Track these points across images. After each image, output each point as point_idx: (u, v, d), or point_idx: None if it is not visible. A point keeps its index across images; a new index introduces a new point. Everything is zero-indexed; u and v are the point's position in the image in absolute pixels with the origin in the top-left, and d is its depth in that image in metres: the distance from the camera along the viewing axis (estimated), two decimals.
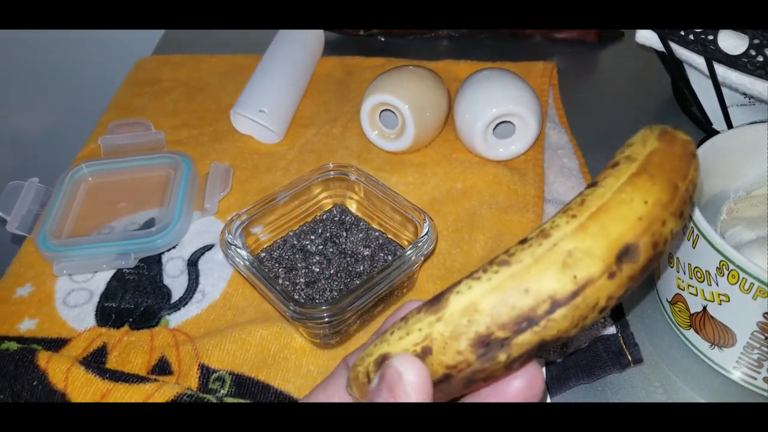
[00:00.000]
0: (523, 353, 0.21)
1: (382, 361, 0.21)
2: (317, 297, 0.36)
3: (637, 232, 0.21)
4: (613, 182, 0.22)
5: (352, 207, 0.41)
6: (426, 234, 0.35)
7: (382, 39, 0.64)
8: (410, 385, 0.20)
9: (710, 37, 0.37)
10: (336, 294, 0.36)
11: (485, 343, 0.20)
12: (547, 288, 0.20)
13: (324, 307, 0.31)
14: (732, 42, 0.38)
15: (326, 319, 0.31)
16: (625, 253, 0.20)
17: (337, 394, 0.25)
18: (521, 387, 0.22)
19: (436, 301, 0.21)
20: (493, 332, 0.20)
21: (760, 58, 0.35)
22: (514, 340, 0.20)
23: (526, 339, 0.20)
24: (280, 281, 0.37)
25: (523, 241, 0.21)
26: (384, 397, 0.20)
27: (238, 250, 0.35)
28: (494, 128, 0.45)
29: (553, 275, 0.20)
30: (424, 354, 0.21)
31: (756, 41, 0.35)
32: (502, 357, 0.20)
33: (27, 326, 0.38)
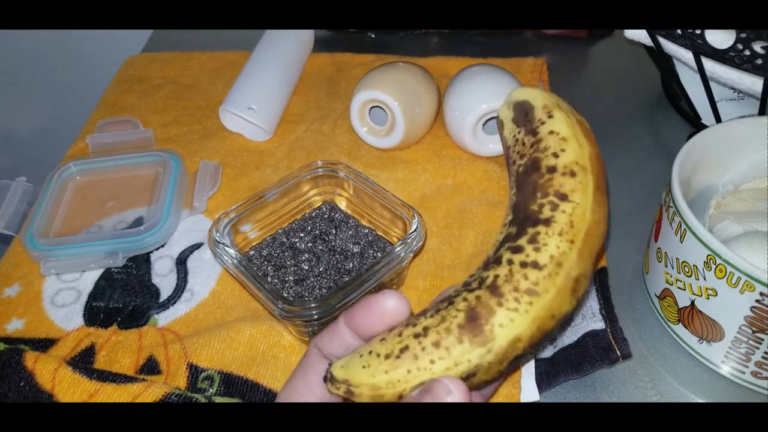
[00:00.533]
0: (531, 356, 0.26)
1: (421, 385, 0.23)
2: (306, 294, 0.35)
3: (600, 245, 0.25)
4: (583, 200, 0.25)
5: (342, 204, 0.41)
6: (415, 230, 0.35)
7: (373, 36, 0.63)
8: (457, 400, 0.22)
9: (698, 32, 0.37)
10: (325, 291, 0.36)
11: (518, 359, 0.24)
12: (563, 311, 0.24)
13: (313, 305, 0.31)
14: (719, 36, 0.38)
15: (315, 317, 0.31)
16: (595, 263, 0.25)
17: (318, 383, 0.26)
18: None
19: (477, 331, 0.23)
20: (527, 351, 0.24)
21: (747, 52, 0.35)
22: (531, 351, 0.24)
23: (539, 348, 0.25)
24: (269, 279, 0.36)
25: (535, 266, 0.24)
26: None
27: (226, 248, 0.34)
28: (484, 124, 0.45)
29: (566, 301, 0.24)
30: (468, 377, 0.23)
31: (743, 35, 0.35)
32: (523, 363, 0.26)
33: (15, 326, 0.37)
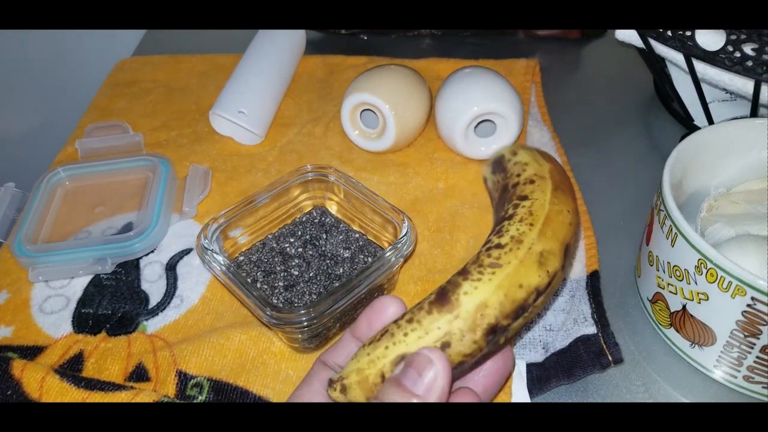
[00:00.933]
0: (514, 335, 0.27)
1: (401, 360, 0.25)
2: (296, 300, 0.35)
3: (569, 234, 0.28)
4: (541, 196, 0.29)
5: (332, 208, 0.41)
6: (405, 235, 0.34)
7: (365, 38, 0.63)
8: (440, 370, 0.23)
9: (688, 34, 0.37)
10: (315, 297, 0.35)
11: (494, 331, 0.25)
12: (532, 282, 0.26)
13: (302, 311, 0.31)
14: (710, 38, 0.37)
15: (305, 323, 0.31)
16: (567, 250, 0.28)
17: (321, 391, 0.27)
18: (501, 363, 0.28)
19: (445, 301, 0.25)
20: (500, 322, 0.25)
21: (738, 54, 0.35)
22: (511, 326, 0.26)
23: (519, 323, 0.26)
24: (259, 285, 0.36)
25: (498, 246, 0.27)
26: (411, 380, 0.23)
27: (215, 255, 0.34)
28: (475, 127, 0.45)
29: (534, 272, 0.26)
30: (443, 348, 0.25)
31: (733, 37, 0.35)
32: (501, 340, 0.26)
33: (2, 334, 0.37)
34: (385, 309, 0.27)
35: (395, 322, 0.26)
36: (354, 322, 0.28)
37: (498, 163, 0.33)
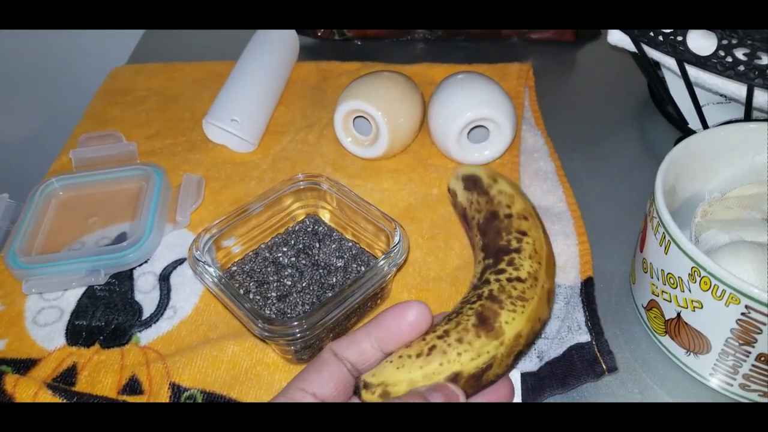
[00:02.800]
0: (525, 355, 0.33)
1: (455, 377, 0.28)
2: (289, 311, 0.35)
3: (555, 273, 0.33)
4: (537, 235, 0.33)
5: (326, 217, 0.41)
6: (397, 244, 0.34)
7: (359, 43, 0.63)
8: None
9: (679, 38, 0.37)
10: (308, 307, 0.35)
11: (519, 356, 0.30)
12: (544, 317, 0.31)
13: (294, 323, 0.31)
14: (701, 42, 0.37)
15: (297, 335, 0.31)
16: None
17: (332, 380, 0.27)
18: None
19: (489, 328, 0.29)
20: (524, 349, 0.30)
21: (730, 59, 0.35)
22: (526, 350, 0.30)
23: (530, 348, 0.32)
24: (251, 296, 0.36)
25: (519, 280, 0.31)
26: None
27: (206, 266, 0.34)
28: (468, 133, 0.44)
29: (546, 308, 0.31)
30: (487, 369, 0.28)
31: (725, 42, 0.35)
32: (518, 360, 0.30)
33: None
34: (406, 314, 0.27)
35: (440, 337, 0.29)
36: (374, 321, 0.28)
37: (474, 183, 0.36)
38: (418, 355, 0.28)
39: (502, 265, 0.31)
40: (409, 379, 0.27)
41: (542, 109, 0.52)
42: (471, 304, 0.30)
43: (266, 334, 0.31)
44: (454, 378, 0.28)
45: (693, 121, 0.47)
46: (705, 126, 0.45)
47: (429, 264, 0.40)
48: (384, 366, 0.28)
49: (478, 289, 0.31)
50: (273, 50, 0.54)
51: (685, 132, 0.48)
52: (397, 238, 0.34)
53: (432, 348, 0.28)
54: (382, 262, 0.33)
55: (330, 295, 0.35)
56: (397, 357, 0.28)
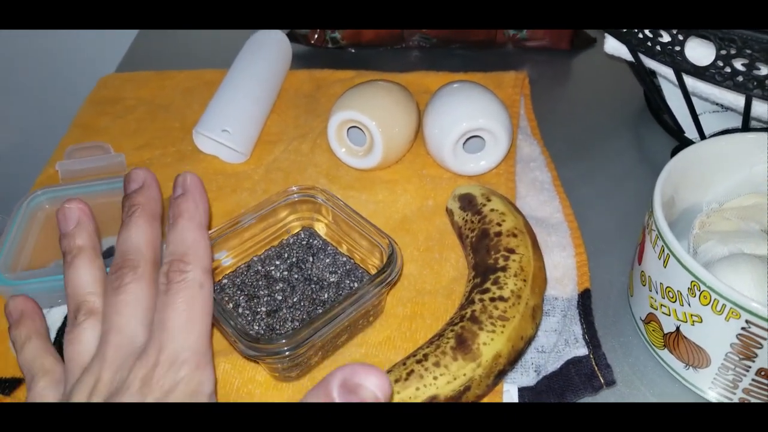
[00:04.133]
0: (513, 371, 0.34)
1: (431, 401, 0.29)
2: (278, 327, 0.34)
3: (544, 288, 0.35)
4: (526, 252, 0.34)
5: (321, 230, 0.40)
6: (391, 262, 0.33)
7: (352, 51, 0.62)
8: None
9: (677, 48, 0.36)
10: (297, 323, 0.34)
11: (500, 375, 0.31)
12: (528, 334, 0.32)
13: (282, 341, 0.30)
14: (699, 52, 0.37)
15: (286, 354, 0.30)
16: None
17: None
18: None
19: (467, 350, 0.30)
20: (506, 368, 0.31)
21: (728, 69, 0.35)
22: (510, 368, 0.32)
23: (514, 365, 0.32)
24: (240, 310, 0.35)
25: (502, 299, 0.32)
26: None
27: None
28: (464, 143, 0.44)
29: (529, 325, 0.32)
30: (465, 390, 0.30)
31: (723, 52, 0.34)
32: (500, 379, 0.32)
33: None
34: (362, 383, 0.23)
35: (419, 362, 0.30)
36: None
37: (468, 202, 0.38)
38: (397, 381, 0.29)
39: (488, 285, 0.32)
40: None
41: (538, 117, 0.52)
42: (453, 325, 0.31)
43: (252, 352, 0.30)
44: (431, 401, 0.29)
45: (690, 130, 0.47)
46: (702, 135, 0.44)
47: (424, 277, 0.39)
48: None
49: (463, 310, 0.32)
50: (265, 58, 0.53)
51: (682, 141, 0.47)
52: (390, 256, 0.34)
53: (410, 373, 0.29)
54: (375, 281, 0.33)
55: (321, 311, 0.35)
56: None
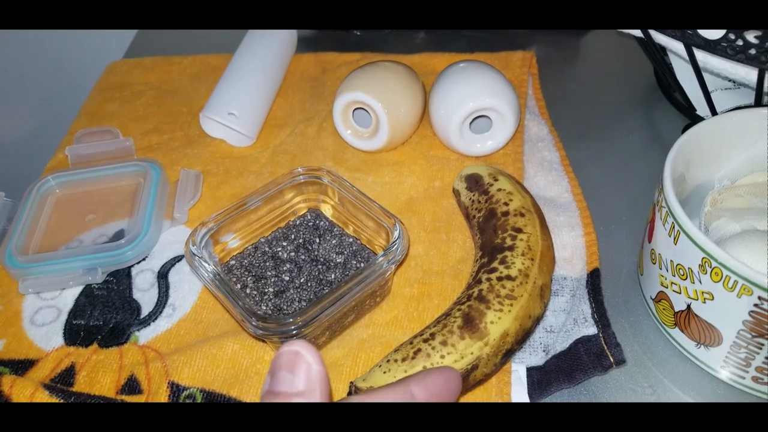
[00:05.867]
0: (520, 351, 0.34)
1: None
2: (285, 307, 0.34)
3: (553, 267, 0.34)
4: (533, 231, 0.34)
5: (327, 212, 0.40)
6: (396, 241, 0.33)
7: (358, 33, 0.62)
8: (310, 359, 0.21)
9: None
10: (305, 304, 0.34)
11: (508, 354, 0.31)
12: (536, 313, 0.32)
13: (289, 320, 0.30)
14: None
15: (293, 332, 0.30)
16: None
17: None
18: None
19: (474, 328, 0.30)
20: (513, 347, 0.31)
21: (740, 42, 0.34)
22: (518, 347, 0.31)
23: (522, 344, 0.32)
24: (248, 291, 0.35)
25: (509, 278, 0.32)
26: (286, 383, 0.21)
27: (203, 262, 0.33)
28: (470, 123, 0.43)
29: (537, 304, 0.32)
30: (472, 369, 0.29)
31: None
32: (508, 358, 0.31)
33: None
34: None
35: (426, 341, 0.30)
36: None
37: (475, 182, 0.38)
38: (404, 359, 0.29)
39: (495, 264, 0.32)
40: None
41: (546, 97, 0.51)
42: (460, 305, 0.31)
43: (260, 331, 0.30)
44: None
45: (701, 108, 0.46)
46: (714, 112, 0.43)
47: (431, 257, 0.39)
48: (373, 371, 0.30)
49: (470, 289, 0.32)
50: (271, 42, 0.53)
51: (693, 119, 0.47)
52: (396, 235, 0.34)
53: (417, 351, 0.29)
54: (380, 259, 0.33)
55: (327, 291, 0.35)
56: (386, 361, 0.30)
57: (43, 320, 0.38)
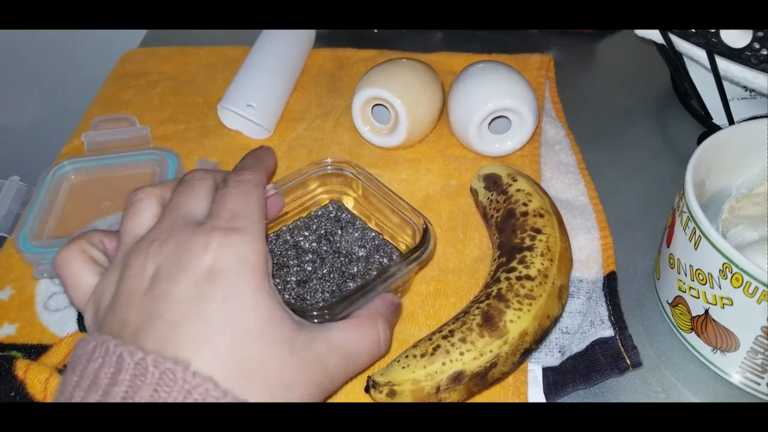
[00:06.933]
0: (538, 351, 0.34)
1: (457, 376, 0.29)
2: (308, 297, 0.34)
3: (571, 268, 0.34)
4: (552, 232, 0.34)
5: (349, 204, 0.40)
6: (427, 240, 0.33)
7: (375, 31, 0.62)
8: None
9: (712, 30, 0.36)
10: (328, 295, 0.34)
11: (526, 353, 0.31)
12: (555, 314, 0.32)
13: (315, 313, 0.30)
14: (735, 35, 0.36)
15: (315, 323, 0.30)
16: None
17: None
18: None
19: (494, 327, 0.30)
20: (532, 346, 0.31)
21: (764, 52, 0.34)
22: (535, 347, 0.31)
23: (540, 344, 0.32)
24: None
25: (528, 278, 0.32)
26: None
27: None
28: (489, 123, 0.44)
29: (555, 305, 0.32)
30: (491, 367, 0.30)
31: (760, 34, 0.34)
32: (526, 357, 0.32)
33: (6, 332, 0.36)
34: None
35: (445, 337, 0.30)
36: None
37: (494, 182, 0.38)
38: (423, 355, 0.30)
39: (514, 263, 0.32)
40: (412, 378, 0.29)
41: (563, 101, 0.51)
42: (479, 303, 0.31)
43: None
44: (457, 376, 0.29)
45: (717, 116, 0.46)
46: (731, 121, 0.44)
47: (448, 255, 0.39)
48: (392, 365, 0.30)
49: (489, 288, 0.32)
50: (289, 36, 0.53)
51: (709, 127, 0.47)
52: (424, 234, 0.34)
53: (436, 348, 0.30)
54: (409, 258, 0.33)
55: (351, 284, 0.35)
56: (404, 356, 0.30)
57: (57, 305, 0.38)
